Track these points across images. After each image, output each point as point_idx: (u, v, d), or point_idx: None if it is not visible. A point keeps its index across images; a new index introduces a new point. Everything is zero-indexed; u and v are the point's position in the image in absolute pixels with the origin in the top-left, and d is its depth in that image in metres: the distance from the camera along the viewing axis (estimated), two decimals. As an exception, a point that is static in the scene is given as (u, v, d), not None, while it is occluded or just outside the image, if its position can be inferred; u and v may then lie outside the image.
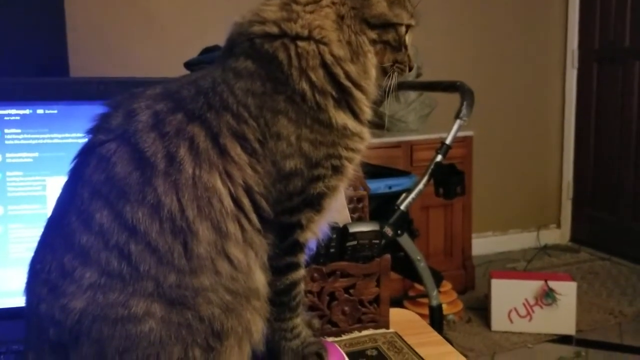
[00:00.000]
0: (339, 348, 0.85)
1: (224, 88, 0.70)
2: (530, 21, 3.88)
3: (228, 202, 0.68)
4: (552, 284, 2.74)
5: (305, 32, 0.72)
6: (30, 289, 0.69)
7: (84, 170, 0.69)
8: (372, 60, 0.76)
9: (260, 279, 0.72)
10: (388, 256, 1.00)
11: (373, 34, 0.75)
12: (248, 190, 0.70)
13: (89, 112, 0.91)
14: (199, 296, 0.66)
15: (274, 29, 0.72)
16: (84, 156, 0.70)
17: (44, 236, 0.70)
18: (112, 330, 0.63)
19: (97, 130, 0.71)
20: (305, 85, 0.71)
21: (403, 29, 0.78)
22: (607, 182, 3.87)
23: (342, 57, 0.73)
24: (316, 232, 0.79)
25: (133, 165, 0.66)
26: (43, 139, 0.91)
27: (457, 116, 2.19)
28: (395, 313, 1.02)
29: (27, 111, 0.91)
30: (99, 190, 0.67)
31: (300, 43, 0.72)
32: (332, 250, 0.96)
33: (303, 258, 0.78)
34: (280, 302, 0.76)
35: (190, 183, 0.67)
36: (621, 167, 3.76)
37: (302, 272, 0.78)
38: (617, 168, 3.79)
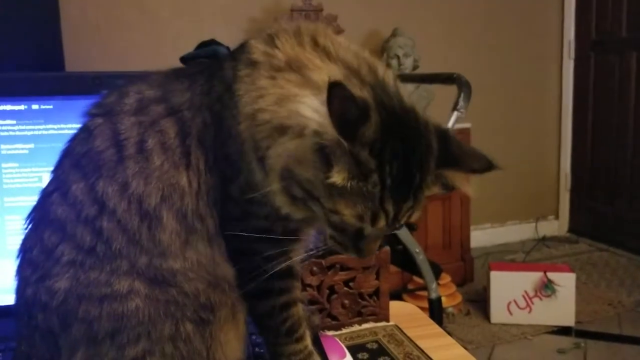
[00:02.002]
0: (339, 342, 0.85)
1: (210, 89, 0.69)
2: (527, 12, 3.87)
3: (190, 200, 0.67)
4: (551, 275, 2.74)
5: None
6: (18, 271, 0.70)
7: (72, 143, 0.70)
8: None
9: (228, 270, 0.70)
10: (387, 248, 1.00)
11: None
12: (203, 196, 0.68)
13: (85, 107, 0.91)
14: (177, 275, 0.66)
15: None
16: (77, 132, 0.71)
17: (30, 212, 0.71)
18: (99, 310, 0.63)
19: (92, 107, 0.72)
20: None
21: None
22: (605, 173, 3.87)
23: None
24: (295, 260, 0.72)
25: (110, 142, 0.67)
26: (39, 130, 0.91)
27: (454, 108, 2.18)
28: (395, 306, 1.02)
29: (22, 107, 0.90)
30: (79, 162, 0.68)
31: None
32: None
33: (285, 284, 0.72)
34: (266, 325, 0.73)
35: (157, 174, 0.66)
36: (619, 157, 3.76)
37: (284, 297, 0.72)
38: (615, 159, 3.79)
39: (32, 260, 0.67)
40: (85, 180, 0.66)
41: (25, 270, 0.68)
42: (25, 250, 0.69)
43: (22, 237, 0.71)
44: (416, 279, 2.79)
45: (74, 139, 0.71)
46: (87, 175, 0.66)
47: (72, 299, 0.64)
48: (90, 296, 0.63)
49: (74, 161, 0.68)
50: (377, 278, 0.99)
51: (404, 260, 2.27)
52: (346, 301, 0.98)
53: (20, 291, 0.69)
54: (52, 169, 0.71)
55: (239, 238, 0.69)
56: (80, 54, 2.66)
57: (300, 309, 0.74)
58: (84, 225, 0.65)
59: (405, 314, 1.02)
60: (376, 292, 0.99)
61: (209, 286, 0.67)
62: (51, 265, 0.65)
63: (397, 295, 2.72)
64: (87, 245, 0.65)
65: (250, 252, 0.70)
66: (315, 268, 0.95)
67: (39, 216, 0.69)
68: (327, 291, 0.97)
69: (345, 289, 0.98)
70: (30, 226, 0.70)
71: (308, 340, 0.75)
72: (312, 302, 0.96)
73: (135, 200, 0.65)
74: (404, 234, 2.20)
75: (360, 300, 0.99)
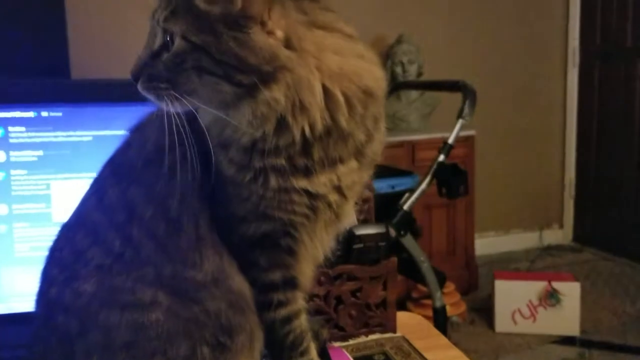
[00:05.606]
0: (346, 353, 0.85)
1: None
2: (531, 19, 3.87)
3: (193, 198, 0.67)
4: (556, 284, 2.73)
5: None
6: (45, 269, 0.70)
7: (114, 154, 0.73)
8: None
9: (243, 284, 0.69)
10: (394, 259, 0.99)
11: None
12: (199, 191, 0.67)
13: (94, 114, 0.91)
14: (201, 291, 0.66)
15: None
16: (119, 146, 0.74)
17: (69, 217, 0.72)
18: (119, 318, 0.63)
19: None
20: None
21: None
22: (610, 181, 3.86)
23: None
24: (298, 272, 0.71)
25: (140, 149, 0.69)
26: (48, 137, 0.91)
27: (459, 116, 2.18)
28: (402, 316, 1.02)
29: (31, 114, 0.90)
30: (117, 170, 0.70)
31: None
32: (338, 253, 0.95)
33: (285, 296, 0.70)
34: (270, 339, 0.71)
35: (173, 174, 0.66)
36: (623, 166, 3.75)
37: (284, 310, 0.70)
38: (620, 167, 3.78)
39: (61, 260, 0.68)
40: (119, 186, 0.68)
41: (52, 270, 0.69)
42: (55, 250, 0.70)
43: (54, 237, 0.72)
44: (420, 287, 2.78)
45: (116, 151, 0.73)
46: (121, 182, 0.69)
47: (95, 304, 0.64)
48: (113, 302, 0.63)
49: (113, 169, 0.71)
50: (384, 288, 0.99)
51: (408, 268, 2.26)
52: (353, 312, 0.97)
53: (43, 290, 0.69)
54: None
55: (232, 249, 0.68)
56: (87, 60, 2.66)
57: (303, 322, 0.73)
58: (115, 231, 0.66)
59: (412, 324, 1.02)
60: (383, 303, 0.99)
61: (230, 307, 0.67)
62: (80, 267, 0.66)
63: (401, 303, 2.71)
64: (116, 250, 0.65)
65: (246, 264, 0.69)
66: (322, 278, 0.95)
67: (74, 219, 0.71)
68: (334, 301, 0.96)
69: (352, 299, 0.97)
70: (64, 228, 0.71)
71: (313, 354, 0.74)
72: (318, 312, 0.95)
73: (159, 204, 0.66)
74: (408, 241, 2.19)
75: (367, 310, 0.98)
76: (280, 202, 0.65)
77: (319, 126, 0.63)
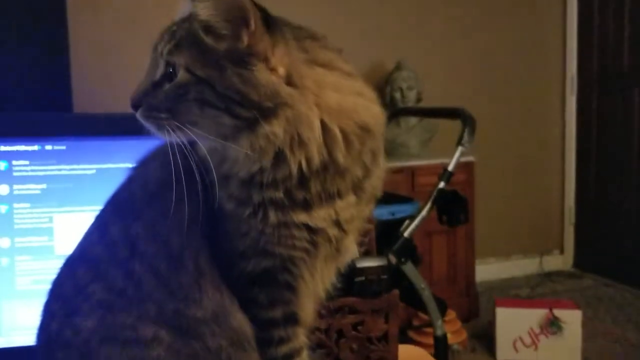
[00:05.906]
0: (348, 388, 0.84)
1: None
2: (529, 48, 3.91)
3: (193, 233, 0.66)
4: (557, 312, 2.71)
5: None
6: (46, 304, 0.70)
7: (117, 190, 0.73)
8: None
9: (243, 321, 0.69)
10: (396, 292, 0.99)
11: None
12: (200, 226, 0.67)
13: (98, 148, 0.92)
14: (202, 327, 0.66)
15: None
16: (123, 181, 0.74)
17: (72, 251, 0.73)
18: (120, 354, 0.63)
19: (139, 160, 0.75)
20: None
21: None
22: (610, 207, 3.86)
23: None
24: (299, 308, 0.71)
25: (142, 184, 0.70)
26: (51, 170, 0.91)
27: (459, 143, 2.19)
28: (404, 350, 1.01)
29: (35, 147, 0.91)
30: (120, 206, 0.71)
31: None
32: (339, 285, 0.95)
33: (286, 332, 0.70)
34: None
35: (174, 209, 0.66)
36: (623, 192, 3.76)
37: (285, 347, 0.70)
38: (619, 193, 3.79)
39: (62, 294, 0.69)
40: (122, 221, 0.69)
41: (53, 304, 0.69)
42: (56, 284, 0.71)
43: (57, 271, 0.72)
44: (421, 314, 2.76)
45: (120, 186, 0.73)
46: (125, 217, 0.69)
47: (95, 340, 0.64)
48: (114, 339, 0.63)
49: (116, 205, 0.72)
50: (386, 322, 0.98)
51: (409, 295, 2.25)
52: (354, 345, 0.96)
53: (44, 324, 0.69)
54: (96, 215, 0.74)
55: (232, 285, 0.68)
56: (89, 94, 2.67)
57: (305, 359, 0.73)
58: (117, 267, 0.66)
59: (414, 357, 1.01)
60: (385, 336, 0.98)
61: (231, 344, 0.67)
62: (80, 302, 0.66)
63: (402, 332, 2.69)
64: (118, 286, 0.66)
65: (246, 300, 0.69)
66: (323, 311, 0.94)
67: (77, 253, 0.71)
68: (335, 335, 0.96)
69: (354, 332, 0.96)
70: (66, 262, 0.72)
71: None
72: (319, 345, 0.94)
73: (162, 241, 0.66)
74: (409, 269, 2.18)
75: (368, 344, 0.97)
76: (280, 237, 0.65)
77: (316, 161, 0.63)
